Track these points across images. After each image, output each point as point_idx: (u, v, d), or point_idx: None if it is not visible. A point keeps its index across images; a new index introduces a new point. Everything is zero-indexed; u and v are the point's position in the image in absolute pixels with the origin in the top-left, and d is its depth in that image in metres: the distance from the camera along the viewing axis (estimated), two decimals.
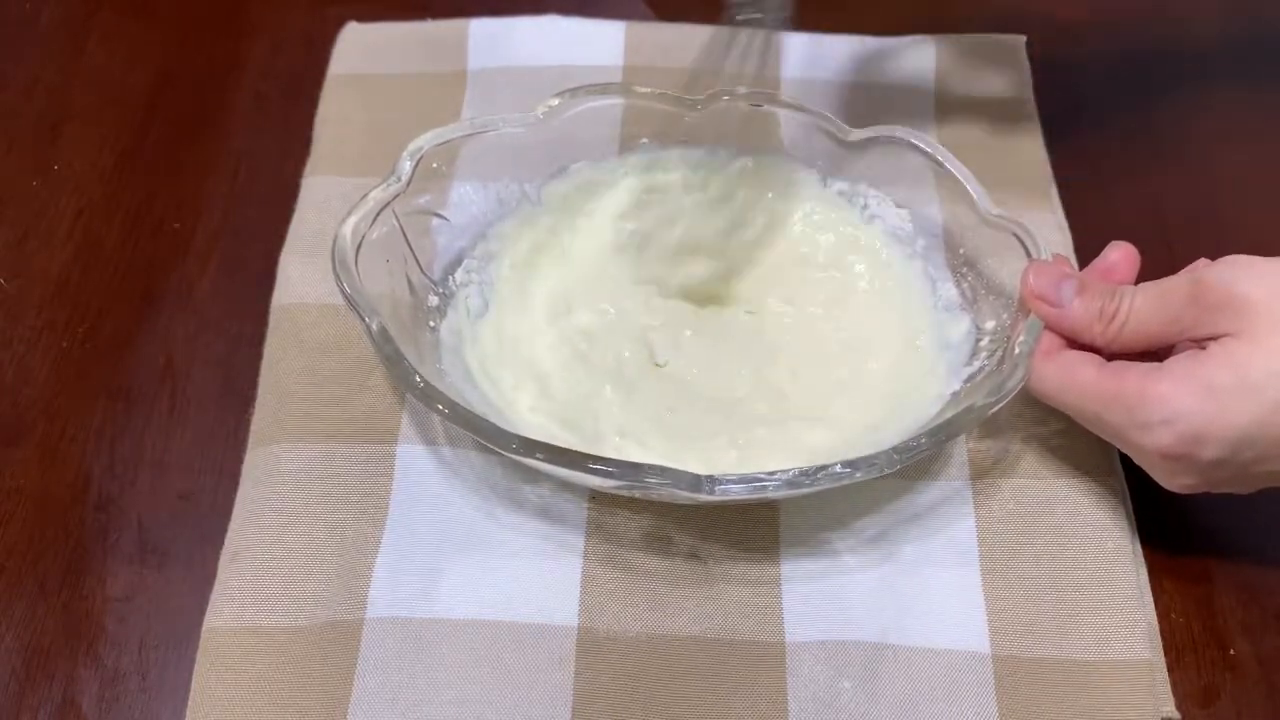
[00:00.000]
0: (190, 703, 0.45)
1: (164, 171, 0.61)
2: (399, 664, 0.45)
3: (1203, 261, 0.45)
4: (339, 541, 0.48)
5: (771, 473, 0.43)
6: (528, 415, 0.50)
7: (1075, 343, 0.47)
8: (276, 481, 0.49)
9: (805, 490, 0.44)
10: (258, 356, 0.54)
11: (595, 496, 0.49)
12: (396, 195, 0.51)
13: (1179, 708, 0.45)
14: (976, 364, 0.50)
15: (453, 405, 0.45)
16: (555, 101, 0.54)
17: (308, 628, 0.46)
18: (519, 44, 0.64)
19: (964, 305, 0.53)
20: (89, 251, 0.58)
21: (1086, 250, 0.55)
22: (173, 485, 0.51)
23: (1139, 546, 0.49)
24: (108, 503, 0.50)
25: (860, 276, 0.56)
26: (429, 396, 0.45)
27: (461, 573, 0.47)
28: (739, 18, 0.53)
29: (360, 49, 0.64)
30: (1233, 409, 0.42)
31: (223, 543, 0.48)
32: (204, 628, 0.46)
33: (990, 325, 0.51)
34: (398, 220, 0.51)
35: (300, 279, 0.55)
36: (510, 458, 0.45)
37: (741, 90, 0.56)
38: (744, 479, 0.43)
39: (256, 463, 0.50)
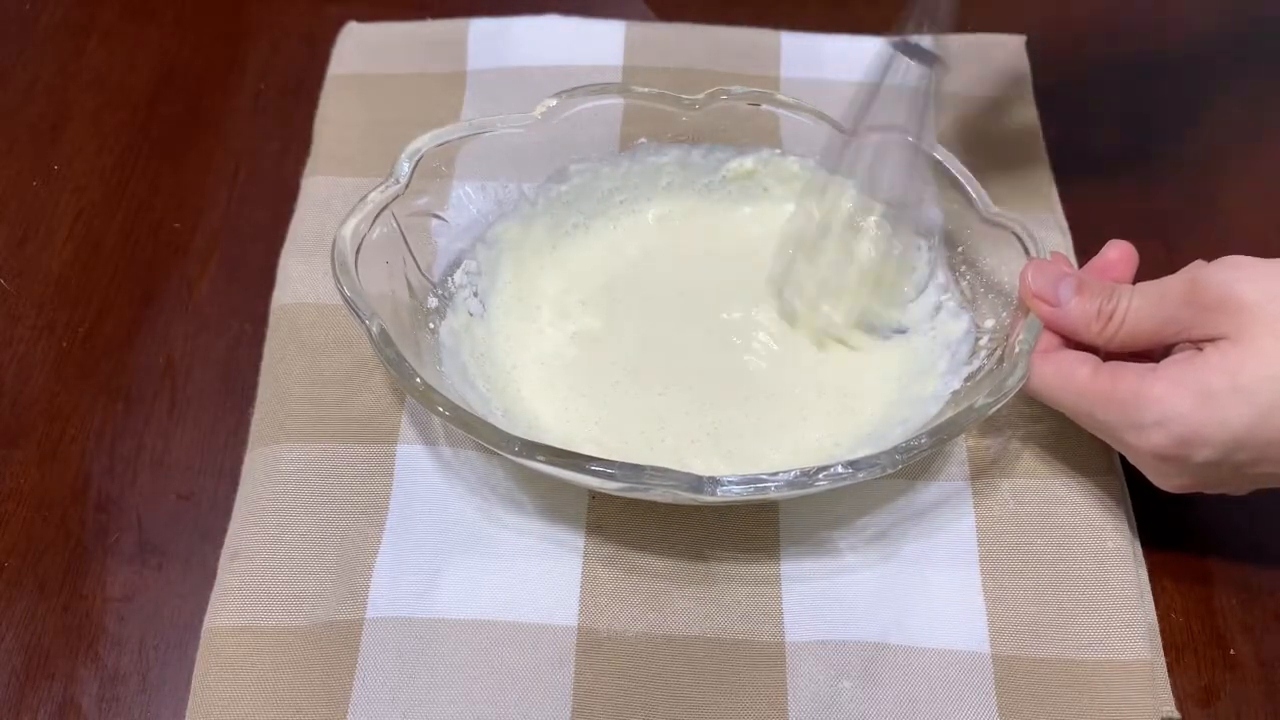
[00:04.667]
0: (190, 703, 0.45)
1: (164, 171, 0.61)
2: (399, 664, 0.45)
3: (1200, 262, 0.45)
4: (339, 541, 0.48)
5: (773, 473, 0.43)
6: (527, 416, 0.50)
7: (1072, 341, 0.47)
8: (276, 481, 0.49)
9: (807, 491, 0.44)
10: (258, 356, 0.54)
11: (595, 496, 0.49)
12: (395, 197, 0.51)
13: (1179, 708, 0.45)
14: (976, 363, 0.50)
15: (454, 408, 0.45)
16: (553, 102, 0.54)
17: (308, 628, 0.46)
18: (519, 44, 0.65)
19: (963, 304, 0.53)
20: (89, 251, 0.58)
21: (1087, 250, 0.55)
22: (173, 485, 0.51)
23: (1139, 546, 0.49)
24: (108, 503, 0.50)
25: (859, 275, 0.56)
26: (430, 399, 0.45)
27: (461, 572, 0.47)
28: (906, 36, 0.50)
29: (360, 49, 0.65)
30: (1226, 412, 0.42)
31: (223, 543, 0.48)
32: (204, 628, 0.46)
33: (989, 324, 0.51)
34: (397, 222, 0.51)
35: (300, 279, 0.55)
36: (511, 460, 0.45)
37: (738, 90, 0.56)
38: (745, 480, 0.43)
39: (256, 463, 0.50)
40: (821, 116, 0.55)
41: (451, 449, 0.50)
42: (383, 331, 0.46)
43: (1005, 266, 0.51)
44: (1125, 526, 0.49)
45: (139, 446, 0.52)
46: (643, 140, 0.57)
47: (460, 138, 0.53)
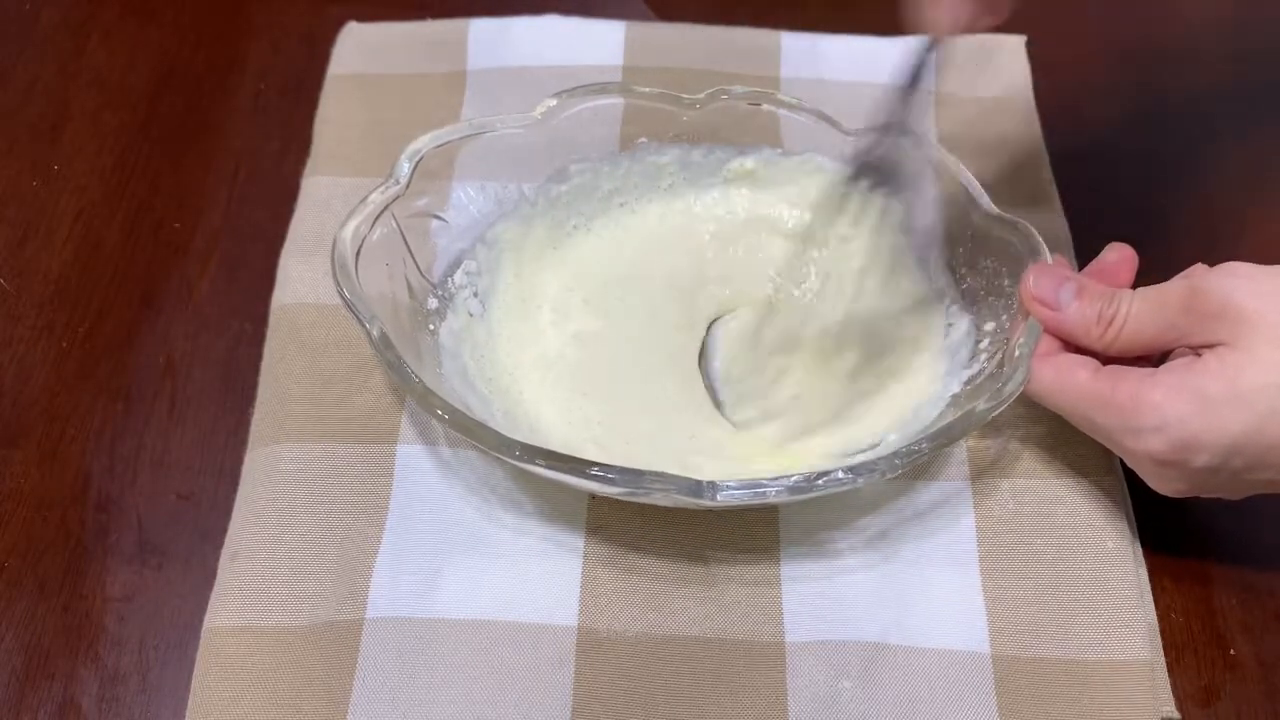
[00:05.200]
0: (190, 703, 0.45)
1: (164, 171, 0.61)
2: (399, 664, 0.45)
3: (1200, 267, 0.45)
4: (339, 541, 0.48)
5: (773, 478, 0.43)
6: (528, 417, 0.50)
7: (1072, 345, 0.47)
8: (276, 481, 0.49)
9: (806, 496, 0.44)
10: (258, 356, 0.54)
11: (595, 497, 0.49)
12: (395, 198, 0.51)
13: (1179, 708, 0.45)
14: (976, 365, 0.50)
15: (453, 411, 0.45)
16: (553, 102, 0.54)
17: (308, 628, 0.46)
18: (519, 44, 0.65)
19: (964, 306, 0.53)
20: (89, 251, 0.58)
21: (1086, 251, 0.55)
22: (173, 485, 0.51)
23: (1139, 547, 0.49)
24: (108, 503, 0.50)
25: (859, 276, 0.56)
26: (430, 402, 0.45)
27: (461, 573, 0.47)
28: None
29: (360, 49, 0.64)
30: (1224, 419, 0.42)
31: (223, 543, 0.48)
32: (204, 628, 0.46)
33: (990, 326, 0.51)
34: (397, 223, 0.51)
35: (300, 279, 0.55)
36: (511, 463, 0.45)
37: (738, 90, 0.56)
38: (745, 484, 0.43)
39: (256, 463, 0.50)
40: (821, 116, 0.55)
41: (451, 449, 0.50)
42: (383, 334, 0.46)
43: (1005, 268, 0.51)
44: (1125, 526, 0.49)
45: (139, 446, 0.52)
46: (643, 140, 0.56)
47: (460, 138, 0.53)
